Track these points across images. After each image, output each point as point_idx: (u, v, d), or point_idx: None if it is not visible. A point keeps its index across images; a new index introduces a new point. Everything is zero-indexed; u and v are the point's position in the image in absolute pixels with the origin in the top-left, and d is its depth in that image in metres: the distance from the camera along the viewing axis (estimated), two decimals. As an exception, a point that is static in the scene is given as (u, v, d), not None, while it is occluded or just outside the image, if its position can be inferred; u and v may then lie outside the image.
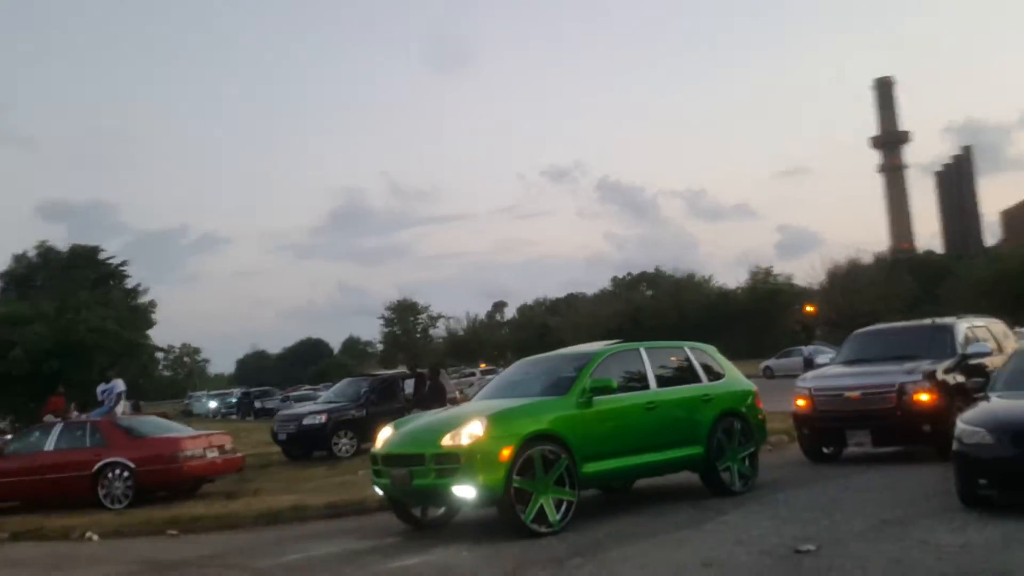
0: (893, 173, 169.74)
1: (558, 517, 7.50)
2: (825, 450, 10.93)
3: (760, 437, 9.61)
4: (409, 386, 18.97)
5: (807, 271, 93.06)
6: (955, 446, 6.95)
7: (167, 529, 10.23)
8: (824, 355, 18.25)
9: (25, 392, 36.23)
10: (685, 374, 9.24)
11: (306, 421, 18.04)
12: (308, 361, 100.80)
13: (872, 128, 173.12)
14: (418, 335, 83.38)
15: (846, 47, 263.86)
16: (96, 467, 12.34)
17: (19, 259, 57.92)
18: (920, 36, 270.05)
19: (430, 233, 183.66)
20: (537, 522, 7.39)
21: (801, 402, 10.87)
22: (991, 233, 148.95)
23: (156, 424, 14.40)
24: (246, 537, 9.44)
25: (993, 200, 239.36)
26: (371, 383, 19.42)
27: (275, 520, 10.15)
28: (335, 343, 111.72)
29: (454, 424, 7.78)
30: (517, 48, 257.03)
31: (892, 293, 54.08)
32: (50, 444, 13.02)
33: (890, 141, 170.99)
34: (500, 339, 78.86)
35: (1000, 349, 11.15)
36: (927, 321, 12.12)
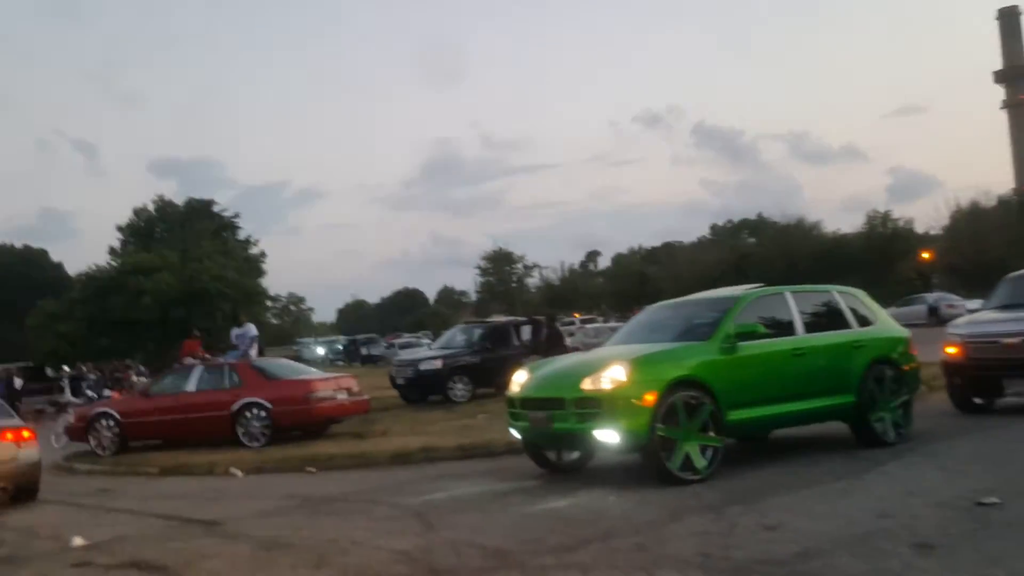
0: (1018, 109, 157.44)
1: (705, 463, 7.29)
2: (976, 400, 10.29)
3: (914, 386, 9.09)
4: (523, 333, 19.14)
5: (928, 215, 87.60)
6: None
7: (305, 466, 10.59)
8: (968, 303, 17.15)
9: (154, 337, 38.52)
10: (834, 320, 8.79)
11: (423, 366, 18.35)
12: (405, 310, 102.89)
13: (996, 62, 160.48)
14: (514, 284, 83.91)
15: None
16: (235, 407, 12.89)
17: (139, 213, 61.14)
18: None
19: (522, 183, 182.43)
20: (684, 469, 7.20)
21: (952, 350, 10.22)
22: None
23: (288, 366, 14.93)
24: (382, 475, 9.65)
25: None
26: (484, 330, 19.59)
27: (407, 460, 10.35)
28: (430, 293, 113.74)
29: (594, 368, 7.63)
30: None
31: (1022, 237, 50.53)
32: (191, 385, 13.67)
33: (1015, 75, 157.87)
34: (595, 288, 78.12)
35: None
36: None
